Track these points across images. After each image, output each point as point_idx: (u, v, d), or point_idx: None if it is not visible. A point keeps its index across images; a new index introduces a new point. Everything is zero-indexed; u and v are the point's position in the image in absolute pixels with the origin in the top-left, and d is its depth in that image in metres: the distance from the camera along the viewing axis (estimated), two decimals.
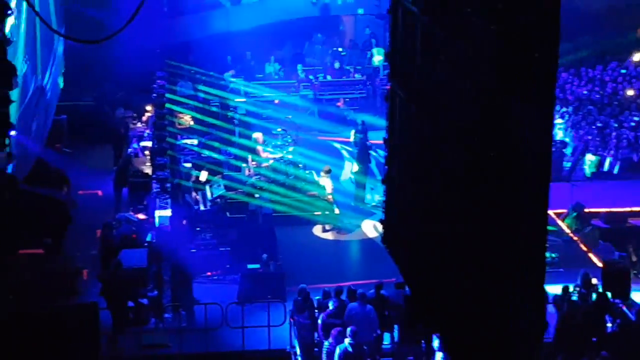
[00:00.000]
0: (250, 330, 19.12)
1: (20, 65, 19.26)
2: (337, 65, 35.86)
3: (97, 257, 21.55)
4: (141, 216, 23.17)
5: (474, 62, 9.91)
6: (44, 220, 21.81)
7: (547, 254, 20.54)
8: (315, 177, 26.36)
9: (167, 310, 19.78)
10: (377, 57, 35.99)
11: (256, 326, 19.25)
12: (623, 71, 34.88)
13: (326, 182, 25.54)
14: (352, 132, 28.61)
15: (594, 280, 19.25)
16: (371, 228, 24.69)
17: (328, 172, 25.58)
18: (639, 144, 28.33)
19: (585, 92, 33.41)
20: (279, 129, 29.33)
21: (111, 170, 26.87)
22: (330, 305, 18.45)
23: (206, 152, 27.52)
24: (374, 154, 28.15)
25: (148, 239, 21.01)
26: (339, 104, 34.28)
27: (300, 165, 27.02)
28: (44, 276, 20.30)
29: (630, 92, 32.86)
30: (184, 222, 22.60)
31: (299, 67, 35.54)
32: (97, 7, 31.61)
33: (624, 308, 18.63)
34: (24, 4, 17.56)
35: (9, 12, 12.45)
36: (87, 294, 20.42)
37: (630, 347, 17.33)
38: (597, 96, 32.85)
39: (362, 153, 26.92)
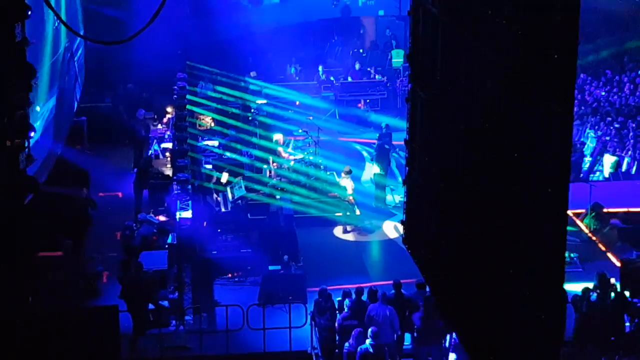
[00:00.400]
0: (271, 331, 19.10)
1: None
2: (357, 66, 35.81)
3: (117, 259, 21.58)
4: (162, 218, 23.20)
5: (495, 63, 9.88)
6: (64, 222, 21.86)
7: (566, 254, 20.49)
8: (336, 178, 26.31)
9: (187, 313, 19.77)
10: (397, 59, 35.93)
11: (277, 328, 19.23)
12: None
13: (347, 183, 25.49)
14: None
15: (612, 280, 19.18)
16: (392, 229, 24.63)
17: (349, 173, 25.53)
18: None
19: (603, 93, 33.33)
20: (300, 130, 29.31)
21: (131, 172, 26.93)
22: (345, 307, 18.42)
23: (227, 154, 27.50)
24: (394, 155, 28.08)
25: (169, 240, 21.00)
26: (359, 105, 34.25)
27: (321, 167, 26.98)
28: (64, 278, 20.33)
29: None
30: (205, 224, 22.58)
31: (320, 68, 35.52)
32: (116, 7, 31.66)
33: None
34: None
35: (29, 12, 12.43)
36: (107, 296, 20.45)
37: None
38: (616, 97, 32.77)
39: (382, 154, 26.83)
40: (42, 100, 21.54)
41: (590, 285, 18.65)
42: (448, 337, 18.32)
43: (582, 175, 27.04)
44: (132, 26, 24.43)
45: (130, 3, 30.05)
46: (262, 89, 33.07)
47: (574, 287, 18.58)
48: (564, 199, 8.65)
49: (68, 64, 26.20)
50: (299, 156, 27.35)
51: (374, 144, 28.01)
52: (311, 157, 27.27)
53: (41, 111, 21.42)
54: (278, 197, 24.70)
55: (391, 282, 19.25)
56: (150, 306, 19.46)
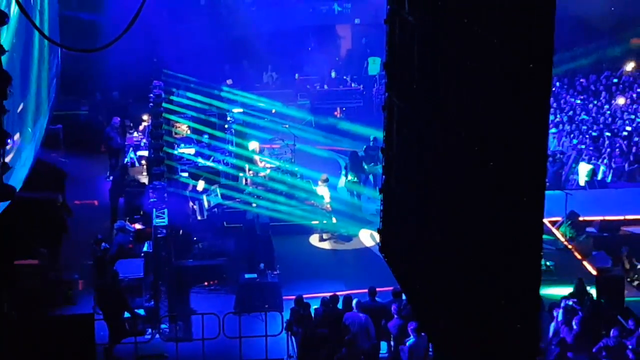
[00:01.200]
0: (247, 340, 19.09)
1: None
2: (333, 74, 35.86)
3: (93, 267, 21.48)
4: (138, 226, 23.12)
5: (471, 72, 9.91)
6: (39, 230, 21.75)
7: (542, 262, 20.60)
8: (313, 187, 26.32)
9: (163, 321, 19.71)
10: (374, 66, 36.01)
11: (253, 336, 19.22)
12: (615, 80, 35.15)
13: (324, 190, 25.51)
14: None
15: (589, 288, 19.32)
16: (368, 237, 24.65)
17: (325, 181, 25.57)
18: (632, 152, 28.47)
19: (578, 101, 33.57)
20: (277, 139, 29.35)
21: (107, 180, 26.85)
22: (319, 315, 18.45)
23: (203, 162, 27.47)
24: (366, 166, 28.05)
25: (145, 248, 20.94)
26: (335, 113, 34.30)
27: (297, 175, 26.99)
28: (39, 286, 20.23)
29: (620, 101, 33.08)
30: (180, 232, 22.54)
31: (296, 76, 35.54)
32: (90, 11, 31.57)
33: (619, 317, 18.63)
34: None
35: (6, 20, 12.40)
36: (82, 305, 20.37)
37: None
38: (591, 105, 33.03)
39: (355, 162, 26.87)
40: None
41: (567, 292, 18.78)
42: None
43: (557, 183, 27.19)
44: (108, 31, 24.33)
45: (106, 8, 30.01)
46: (238, 97, 33.06)
47: (550, 294, 18.69)
48: (540, 207, 8.69)
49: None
50: (275, 164, 27.37)
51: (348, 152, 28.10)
52: (287, 165, 27.29)
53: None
54: (254, 204, 24.70)
55: (367, 290, 19.27)
56: (126, 314, 19.40)
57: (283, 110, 33.53)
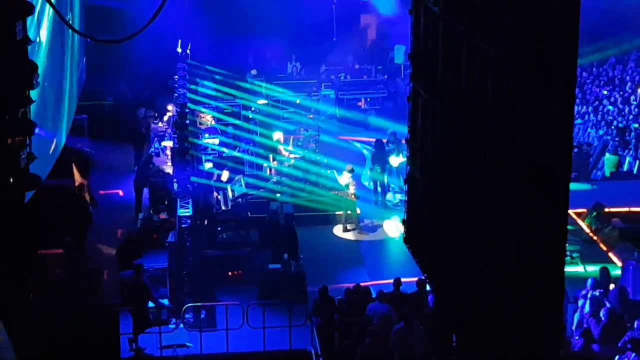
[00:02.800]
0: (271, 330, 19.09)
1: None
2: (357, 66, 35.80)
3: (118, 257, 21.56)
4: (162, 216, 23.18)
5: (496, 61, 9.88)
6: (64, 220, 21.84)
7: (567, 253, 20.52)
8: (337, 176, 26.29)
9: (187, 311, 19.75)
10: (399, 55, 35.84)
11: (277, 326, 19.22)
12: None
13: (349, 181, 25.48)
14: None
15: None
16: (393, 228, 24.60)
17: (351, 171, 25.52)
18: None
19: (605, 92, 33.35)
20: (301, 129, 29.36)
21: (132, 170, 26.92)
22: (344, 305, 18.42)
23: (228, 152, 27.50)
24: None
25: (169, 239, 20.99)
26: (359, 103, 34.24)
27: (322, 164, 26.98)
28: (64, 276, 20.31)
29: None
30: (205, 222, 22.57)
31: (322, 67, 35.52)
32: (112, 3, 31.69)
33: None
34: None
35: (32, 10, 12.45)
36: (107, 294, 20.44)
37: None
38: (617, 96, 32.80)
39: (380, 153, 26.82)
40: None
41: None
42: None
43: (583, 174, 27.06)
44: (134, 20, 24.39)
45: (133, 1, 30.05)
46: (262, 89, 33.06)
47: (574, 287, 18.59)
48: (565, 198, 8.65)
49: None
50: (300, 154, 27.37)
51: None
52: (312, 155, 27.28)
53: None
54: (278, 194, 24.71)
55: (391, 281, 19.24)
56: (150, 304, 19.46)
57: (306, 103, 33.50)
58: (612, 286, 18.93)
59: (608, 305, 17.81)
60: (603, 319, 17.40)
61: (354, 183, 25.54)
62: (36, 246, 18.76)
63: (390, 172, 27.13)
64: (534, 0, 8.88)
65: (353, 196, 25.24)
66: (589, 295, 18.04)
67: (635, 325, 16.96)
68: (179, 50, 31.35)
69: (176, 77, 28.26)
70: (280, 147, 27.86)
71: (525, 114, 9.18)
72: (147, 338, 19.19)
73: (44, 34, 19.21)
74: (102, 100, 31.79)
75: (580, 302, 18.08)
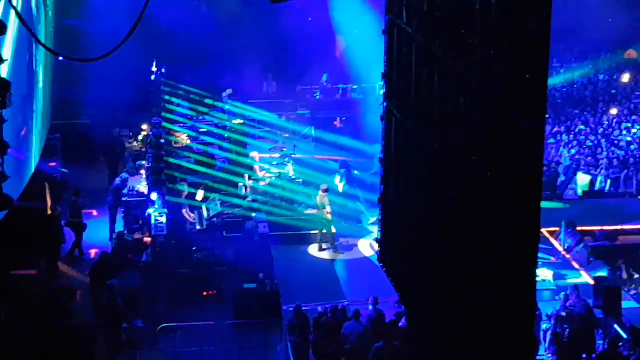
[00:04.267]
0: (246, 350, 19.02)
1: None
2: (325, 78, 35.94)
3: (91, 277, 21.42)
4: (137, 236, 23.08)
5: (469, 82, 9.92)
6: (37, 241, 21.70)
7: (540, 272, 20.63)
8: (313, 196, 26.28)
9: (162, 331, 19.66)
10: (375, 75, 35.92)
11: (253, 346, 19.15)
12: (613, 92, 35.29)
13: (324, 200, 25.48)
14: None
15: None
16: (367, 247, 24.63)
17: (326, 190, 25.52)
18: (629, 162, 28.56)
19: (576, 112, 33.66)
20: (277, 148, 29.40)
21: (106, 190, 26.81)
22: (320, 325, 18.38)
23: (203, 171, 27.44)
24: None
25: (143, 259, 20.89)
26: (335, 122, 34.28)
27: (298, 184, 27.00)
28: (37, 297, 20.18)
29: (613, 111, 33.21)
30: (180, 241, 22.50)
31: (298, 86, 35.59)
32: (87, 20, 31.59)
33: (616, 325, 18.64)
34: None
35: (4, 30, 12.41)
36: (81, 315, 20.30)
37: None
38: (589, 116, 33.12)
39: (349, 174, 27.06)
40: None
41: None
42: None
43: (556, 193, 27.28)
44: (106, 40, 24.35)
45: (104, 17, 29.97)
46: (238, 109, 33.06)
47: (547, 305, 18.70)
48: (537, 217, 8.69)
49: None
50: (276, 173, 27.38)
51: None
52: (287, 175, 27.30)
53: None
54: (254, 214, 24.68)
55: (367, 299, 19.22)
56: (124, 325, 19.34)
57: (282, 122, 33.54)
58: (582, 302, 19.03)
59: (575, 323, 17.93)
60: (566, 339, 17.58)
61: (329, 202, 25.55)
62: (9, 267, 18.68)
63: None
64: (505, 22, 8.93)
65: (329, 215, 25.24)
66: (557, 315, 18.18)
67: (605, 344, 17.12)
68: (154, 69, 31.29)
69: (151, 96, 28.23)
70: (256, 166, 27.85)
71: (497, 134, 9.22)
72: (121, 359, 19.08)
73: (7, 52, 19.06)
74: (76, 120, 31.68)
75: (552, 320, 18.19)
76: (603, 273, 21.96)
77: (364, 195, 27.19)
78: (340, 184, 27.33)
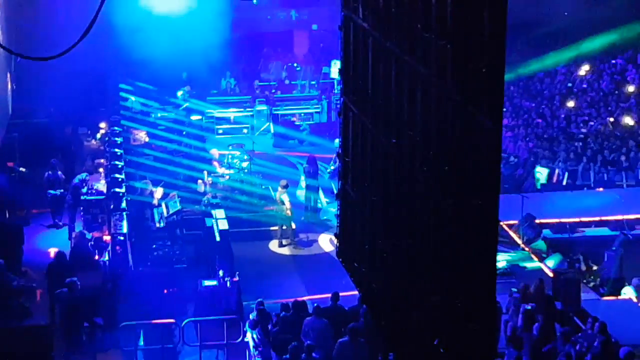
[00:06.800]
0: (207, 347, 19.00)
1: None
2: (284, 74, 35.94)
3: (48, 277, 21.25)
4: (96, 234, 22.96)
5: (425, 77, 9.95)
6: None
7: (499, 265, 20.76)
8: (272, 192, 26.31)
9: (122, 329, 19.57)
10: (334, 70, 36.00)
11: (213, 343, 19.14)
12: (569, 84, 35.57)
13: (283, 196, 25.50)
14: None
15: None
16: (327, 242, 24.68)
17: (285, 186, 25.54)
18: (586, 154, 28.82)
19: (533, 104, 33.91)
20: (236, 144, 29.37)
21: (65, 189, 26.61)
22: (280, 321, 18.39)
23: (161, 168, 27.37)
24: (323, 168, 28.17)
25: (103, 257, 20.81)
26: (294, 118, 34.33)
27: (257, 180, 27.00)
28: None
29: (570, 104, 33.47)
30: (140, 239, 22.43)
31: (255, 82, 35.58)
32: (39, 22, 31.39)
33: (575, 317, 18.80)
34: None
35: None
36: (40, 314, 20.16)
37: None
38: (546, 109, 33.36)
39: (314, 167, 26.98)
40: None
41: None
42: None
43: (514, 186, 27.48)
44: (60, 41, 24.21)
45: (59, 20, 29.80)
46: (196, 105, 33.02)
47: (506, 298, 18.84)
48: (495, 210, 8.72)
49: None
50: (235, 170, 27.36)
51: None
52: (246, 171, 27.30)
53: None
54: (213, 211, 24.63)
55: (328, 295, 19.25)
56: (85, 323, 19.23)
57: (240, 118, 33.53)
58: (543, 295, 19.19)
59: (540, 322, 18.03)
60: (535, 333, 17.62)
61: (288, 198, 25.57)
62: None
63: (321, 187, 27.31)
64: (461, 17, 8.97)
65: (288, 211, 25.25)
66: (520, 310, 18.22)
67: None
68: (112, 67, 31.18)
69: (110, 94, 28.13)
70: (215, 163, 27.82)
71: (454, 129, 9.26)
72: (81, 358, 18.97)
73: None
74: (33, 118, 31.44)
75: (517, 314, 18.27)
76: (562, 265, 22.15)
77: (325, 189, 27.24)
78: (303, 183, 27.27)
